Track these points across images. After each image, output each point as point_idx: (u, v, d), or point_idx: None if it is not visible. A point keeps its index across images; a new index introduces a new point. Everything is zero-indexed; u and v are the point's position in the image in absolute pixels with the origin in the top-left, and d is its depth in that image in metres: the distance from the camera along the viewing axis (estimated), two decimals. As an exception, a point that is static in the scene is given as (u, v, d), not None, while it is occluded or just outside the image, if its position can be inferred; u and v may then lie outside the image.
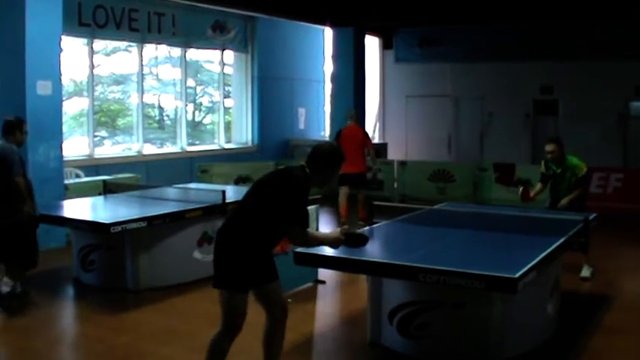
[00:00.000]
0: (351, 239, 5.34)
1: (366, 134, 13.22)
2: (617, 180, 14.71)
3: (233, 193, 10.15)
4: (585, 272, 9.32)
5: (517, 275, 5.15)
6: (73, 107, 14.28)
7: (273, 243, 5.12)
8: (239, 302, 4.91)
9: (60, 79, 10.95)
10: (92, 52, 13.90)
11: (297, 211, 5.06)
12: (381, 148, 18.91)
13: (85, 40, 13.70)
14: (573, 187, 9.21)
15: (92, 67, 13.93)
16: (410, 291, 6.18)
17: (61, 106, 11.09)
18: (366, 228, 6.33)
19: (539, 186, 9.58)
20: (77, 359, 6.61)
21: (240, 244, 4.89)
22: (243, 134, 17.92)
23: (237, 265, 4.90)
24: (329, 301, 8.36)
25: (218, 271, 4.97)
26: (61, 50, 10.90)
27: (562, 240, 6.59)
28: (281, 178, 5.06)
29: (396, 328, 6.31)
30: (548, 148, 9.30)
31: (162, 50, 16.01)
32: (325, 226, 12.54)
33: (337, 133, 13.00)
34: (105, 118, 15.29)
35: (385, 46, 21.84)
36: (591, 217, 7.70)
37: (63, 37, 11.09)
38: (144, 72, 15.26)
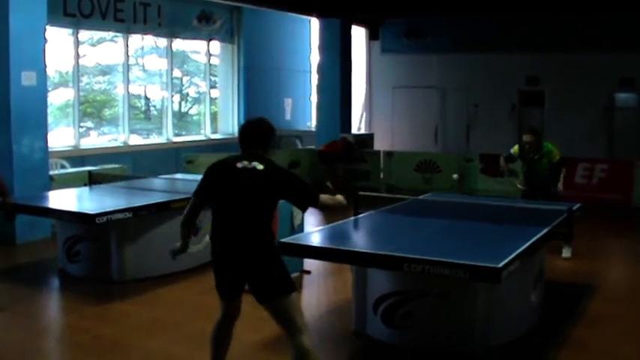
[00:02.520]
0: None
1: None
2: (602, 171, 14.78)
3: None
4: (566, 253, 9.80)
5: (501, 265, 5.17)
6: (58, 98, 14.22)
7: None
8: (297, 299, 4.95)
9: (45, 69, 10.89)
10: (77, 43, 13.84)
11: (307, 186, 5.10)
12: (368, 139, 18.93)
13: (70, 31, 13.64)
14: (550, 172, 9.72)
15: (77, 57, 13.87)
16: (394, 281, 6.21)
17: (45, 96, 11.03)
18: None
19: (502, 162, 10.28)
20: (62, 350, 6.60)
21: (268, 246, 4.90)
22: (230, 125, 17.89)
23: (280, 266, 4.92)
24: (314, 291, 8.37)
25: (265, 283, 4.86)
26: (45, 41, 10.84)
27: (546, 230, 6.63)
28: (276, 174, 4.97)
29: (380, 318, 6.34)
30: (527, 138, 9.78)
31: (148, 41, 15.96)
32: (311, 216, 12.56)
33: None
34: (91, 109, 15.24)
35: (372, 36, 21.81)
36: (575, 208, 7.74)
37: (48, 27, 11.03)
38: (130, 62, 15.21)
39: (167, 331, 6.85)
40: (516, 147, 10.09)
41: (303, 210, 5.37)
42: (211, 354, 5.17)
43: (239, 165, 4.93)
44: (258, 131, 5.06)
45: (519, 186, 10.19)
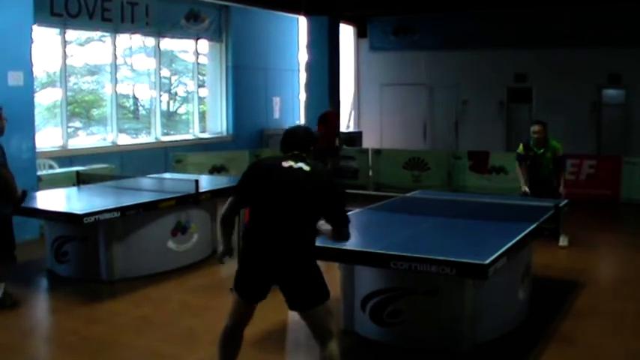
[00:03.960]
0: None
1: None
2: (590, 167, 14.86)
3: (207, 182, 10.18)
4: (563, 241, 10.06)
5: (487, 262, 5.21)
6: (46, 98, 14.17)
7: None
8: (330, 305, 4.86)
9: (32, 69, 10.87)
10: (65, 43, 13.79)
11: (344, 204, 4.97)
12: (356, 137, 18.97)
13: (57, 31, 13.58)
14: (554, 166, 9.92)
15: (65, 57, 13.82)
16: (382, 278, 6.22)
17: (33, 97, 11.01)
18: None
19: (519, 169, 10.15)
20: (50, 351, 6.59)
21: (308, 250, 4.78)
22: (218, 124, 17.87)
23: (317, 272, 4.79)
24: (303, 289, 8.37)
25: (302, 291, 4.74)
26: (32, 41, 10.81)
27: (532, 227, 6.67)
28: (323, 178, 4.87)
29: (368, 316, 6.35)
30: (535, 128, 9.96)
31: (136, 40, 15.91)
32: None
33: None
34: (79, 109, 15.20)
35: (360, 34, 21.84)
36: (562, 204, 7.78)
37: (35, 27, 11.01)
38: (118, 62, 15.17)
39: (155, 330, 6.86)
40: (521, 146, 10.20)
41: (333, 225, 4.94)
42: (220, 358, 4.97)
43: (285, 164, 4.79)
44: (306, 136, 5.02)
45: (525, 189, 9.93)
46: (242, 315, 4.88)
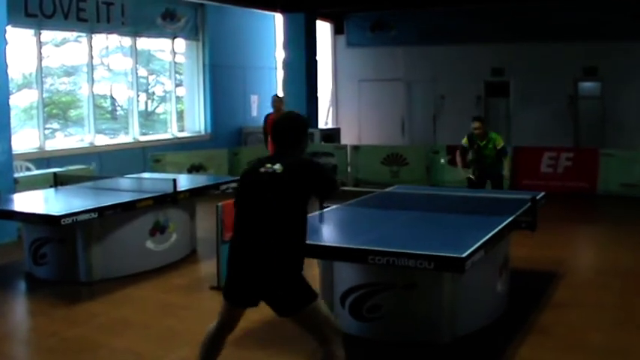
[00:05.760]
0: None
1: None
2: (568, 159, 14.95)
3: (185, 181, 10.16)
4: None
5: (464, 255, 5.23)
6: (22, 100, 14.07)
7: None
8: (322, 306, 4.67)
9: (7, 71, 10.78)
10: (40, 44, 13.71)
11: (332, 185, 4.78)
12: (334, 133, 18.98)
13: (32, 31, 13.50)
14: (496, 156, 10.92)
15: (41, 58, 13.74)
16: (360, 274, 6.24)
17: (8, 98, 10.91)
18: None
19: (459, 156, 11.40)
20: (29, 354, 6.56)
21: (286, 256, 4.52)
22: (196, 123, 17.83)
23: (298, 277, 4.56)
24: (283, 286, 8.37)
25: (283, 299, 4.53)
26: (6, 42, 10.73)
27: (510, 219, 6.70)
28: (296, 173, 4.60)
29: (348, 311, 6.36)
30: (475, 125, 11.02)
31: (113, 40, 15.84)
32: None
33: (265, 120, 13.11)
34: (56, 110, 15.11)
35: (337, 31, 21.86)
36: (539, 197, 7.83)
37: (8, 28, 10.92)
38: (94, 62, 15.09)
39: (135, 330, 6.83)
40: (465, 139, 11.19)
41: (326, 199, 5.04)
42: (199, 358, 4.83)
43: (262, 169, 4.62)
44: (287, 127, 4.79)
45: (469, 175, 11.11)
46: (227, 318, 4.76)
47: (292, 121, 4.85)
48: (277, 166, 4.56)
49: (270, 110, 14.16)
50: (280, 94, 13.70)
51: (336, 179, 4.89)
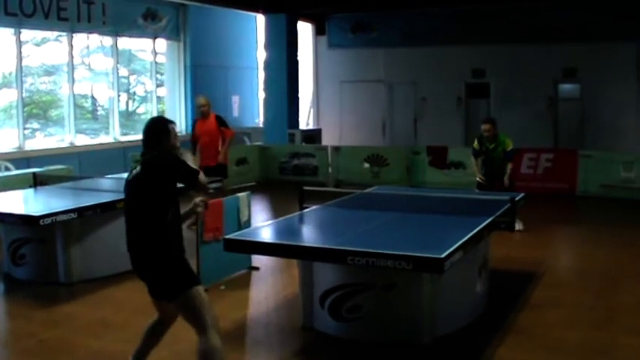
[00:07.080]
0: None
1: (222, 122, 11.62)
2: (547, 160, 15.01)
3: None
4: (518, 226, 10.05)
5: (443, 255, 5.25)
6: (2, 99, 14.01)
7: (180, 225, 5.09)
8: (201, 293, 4.88)
9: (-15, 71, 10.75)
10: (20, 43, 13.64)
11: (189, 173, 5.01)
12: (315, 134, 18.99)
13: (12, 30, 13.44)
14: (503, 159, 10.75)
15: (21, 57, 13.68)
16: (340, 274, 6.25)
17: (-14, 98, 10.89)
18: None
19: (474, 161, 11.09)
20: (6, 356, 6.51)
21: (157, 248, 4.89)
22: (177, 123, 17.73)
23: (172, 266, 4.89)
24: (262, 287, 8.37)
25: (159, 285, 4.95)
26: (-15, 41, 10.70)
27: (489, 220, 6.73)
28: (149, 172, 4.94)
29: (327, 312, 6.37)
30: (485, 127, 10.83)
31: (94, 40, 15.79)
32: (259, 213, 12.60)
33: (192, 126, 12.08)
34: (37, 110, 15.05)
35: (318, 32, 21.89)
36: (518, 198, 7.86)
37: (-13, 27, 10.89)
38: (75, 62, 15.05)
39: (114, 331, 6.81)
40: (475, 142, 11.01)
41: (193, 188, 5.31)
42: (138, 345, 5.28)
43: (134, 171, 5.03)
44: (147, 130, 5.11)
45: (479, 178, 10.94)
46: (157, 310, 5.21)
47: (152, 124, 5.21)
48: (138, 167, 4.98)
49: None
50: (202, 95, 12.18)
51: (194, 169, 5.10)
